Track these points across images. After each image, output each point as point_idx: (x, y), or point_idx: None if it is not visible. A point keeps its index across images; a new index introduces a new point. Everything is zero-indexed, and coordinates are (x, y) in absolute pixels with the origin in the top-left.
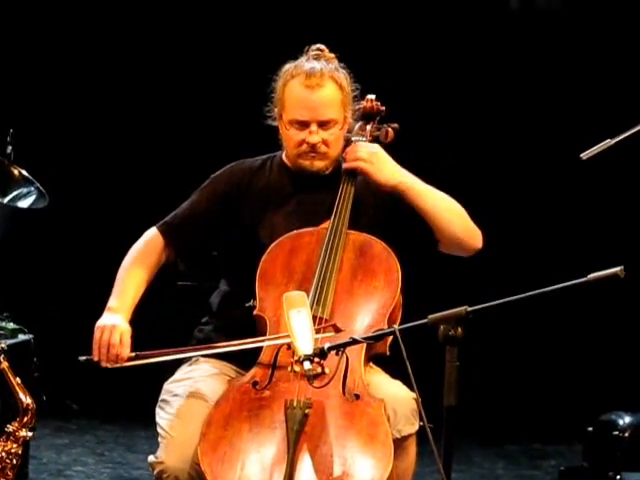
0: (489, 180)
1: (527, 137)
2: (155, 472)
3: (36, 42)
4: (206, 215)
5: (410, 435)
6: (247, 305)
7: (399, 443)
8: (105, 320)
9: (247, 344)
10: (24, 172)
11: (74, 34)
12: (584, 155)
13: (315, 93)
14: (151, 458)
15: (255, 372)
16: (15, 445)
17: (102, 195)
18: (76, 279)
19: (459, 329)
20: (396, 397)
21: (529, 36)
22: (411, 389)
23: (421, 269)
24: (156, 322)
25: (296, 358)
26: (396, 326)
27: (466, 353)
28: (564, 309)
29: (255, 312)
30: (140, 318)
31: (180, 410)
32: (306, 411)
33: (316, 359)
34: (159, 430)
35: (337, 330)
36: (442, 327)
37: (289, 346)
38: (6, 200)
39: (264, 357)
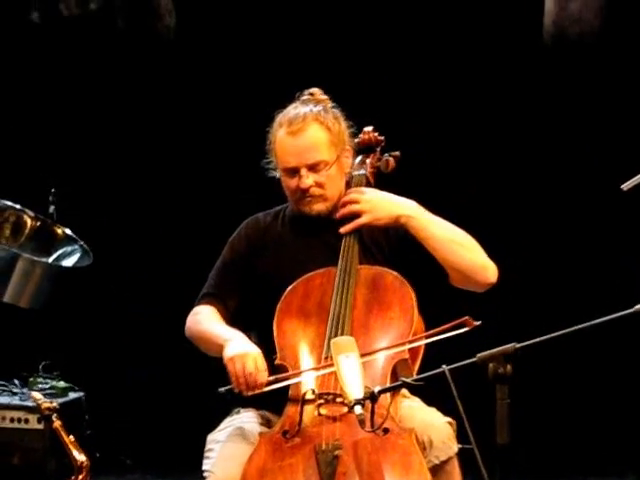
0: (528, 212)
1: (570, 168)
2: None
3: (74, 101)
4: (236, 278)
5: (450, 458)
6: (274, 360)
7: (441, 467)
8: (233, 350)
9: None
10: (67, 231)
11: (111, 93)
12: (625, 186)
13: (298, 138)
14: None
15: (284, 421)
16: None
17: (147, 251)
18: (124, 336)
19: (508, 366)
20: (429, 424)
21: (562, 69)
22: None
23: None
24: (198, 370)
25: (346, 401)
26: (445, 366)
27: (515, 388)
28: (614, 341)
29: (276, 362)
30: (180, 367)
31: (222, 452)
32: (335, 453)
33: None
34: (205, 475)
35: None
36: (491, 365)
37: (313, 391)
38: (51, 260)
39: (291, 404)
